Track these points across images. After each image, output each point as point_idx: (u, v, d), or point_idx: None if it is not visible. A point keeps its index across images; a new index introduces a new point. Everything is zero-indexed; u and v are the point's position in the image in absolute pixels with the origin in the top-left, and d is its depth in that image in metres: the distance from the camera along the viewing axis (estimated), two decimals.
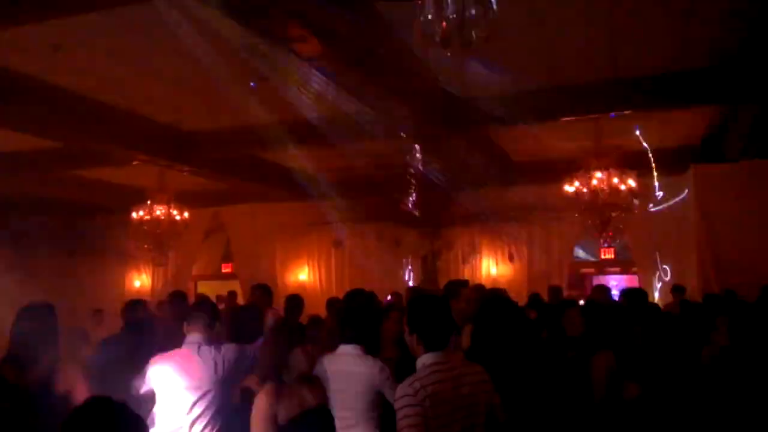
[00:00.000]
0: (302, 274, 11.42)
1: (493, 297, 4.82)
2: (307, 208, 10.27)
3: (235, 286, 10.35)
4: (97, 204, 10.83)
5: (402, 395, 2.60)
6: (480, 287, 6.06)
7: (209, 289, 11.04)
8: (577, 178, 7.70)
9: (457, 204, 9.19)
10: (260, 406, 3.04)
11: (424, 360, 2.76)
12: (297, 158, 8.27)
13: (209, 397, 3.42)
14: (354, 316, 3.61)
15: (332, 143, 6.86)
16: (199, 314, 3.62)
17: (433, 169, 8.25)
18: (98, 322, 10.48)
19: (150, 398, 3.45)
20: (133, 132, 7.39)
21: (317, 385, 3.20)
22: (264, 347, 3.41)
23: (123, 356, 3.69)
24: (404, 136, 7.16)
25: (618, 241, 9.12)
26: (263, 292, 5.78)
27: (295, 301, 5.95)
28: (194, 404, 3.39)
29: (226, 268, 12.49)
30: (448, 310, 3.04)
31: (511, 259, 9.93)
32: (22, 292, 3.86)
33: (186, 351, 3.50)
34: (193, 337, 3.53)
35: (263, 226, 10.72)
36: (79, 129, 6.97)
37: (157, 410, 3.44)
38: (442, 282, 8.62)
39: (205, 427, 3.39)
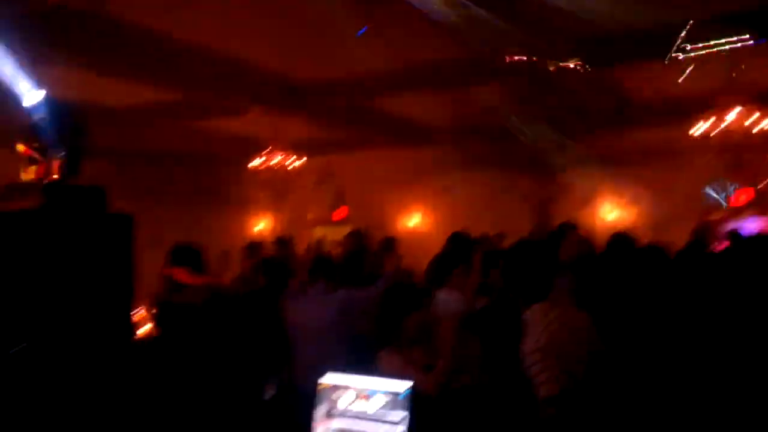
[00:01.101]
0: (413, 221, 11.55)
1: (619, 238, 4.52)
2: (418, 155, 10.24)
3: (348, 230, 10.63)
4: (219, 154, 11.38)
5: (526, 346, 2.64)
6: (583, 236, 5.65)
7: (323, 234, 11.40)
8: (708, 118, 7.11)
9: (575, 148, 8.78)
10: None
11: (534, 310, 2.77)
12: (408, 106, 8.21)
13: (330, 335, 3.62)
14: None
15: (445, 89, 6.72)
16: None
17: (550, 111, 7.91)
18: (225, 262, 11.28)
19: None
20: (248, 83, 7.62)
21: None
22: None
23: None
24: (516, 76, 6.87)
25: (756, 184, 8.42)
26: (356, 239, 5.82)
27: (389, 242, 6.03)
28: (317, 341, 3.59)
29: (339, 215, 12.81)
30: (548, 257, 3.00)
31: (630, 204, 9.43)
32: (159, 238, 4.15)
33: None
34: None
35: (375, 174, 10.83)
36: (198, 81, 7.27)
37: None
38: None
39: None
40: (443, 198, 10.87)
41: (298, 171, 10.08)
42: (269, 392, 2.20)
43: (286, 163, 9.79)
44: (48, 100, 2.92)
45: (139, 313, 4.10)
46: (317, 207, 12.53)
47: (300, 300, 4.20)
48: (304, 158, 9.78)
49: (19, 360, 2.79)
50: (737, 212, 10.52)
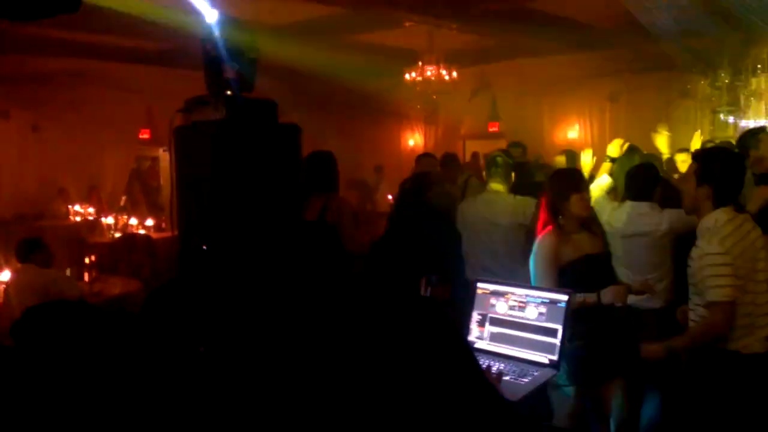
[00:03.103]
0: (572, 132, 10.96)
1: None
2: (579, 60, 9.58)
3: (503, 144, 10.40)
4: (375, 68, 11.51)
5: (714, 252, 2.62)
6: None
7: (477, 147, 11.26)
8: None
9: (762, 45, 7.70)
10: (544, 246, 3.12)
11: (718, 216, 2.69)
12: (569, 5, 7.65)
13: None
14: None
15: None
16: None
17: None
18: (380, 176, 11.71)
19: None
20: None
21: (596, 232, 3.23)
22: (544, 194, 3.46)
23: None
24: None
25: None
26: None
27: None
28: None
29: (492, 127, 12.55)
30: (743, 165, 2.91)
31: None
32: (323, 147, 4.36)
33: None
34: None
35: (530, 83, 10.35)
36: None
37: None
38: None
39: None
40: (606, 107, 10.19)
41: (452, 83, 9.94)
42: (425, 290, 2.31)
43: (441, 75, 9.69)
44: (222, 19, 3.11)
45: None
46: (471, 120, 12.36)
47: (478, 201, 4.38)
48: (454, 73, 9.60)
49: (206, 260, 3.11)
50: None
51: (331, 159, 4.08)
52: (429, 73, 9.70)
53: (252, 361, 1.85)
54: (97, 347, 1.62)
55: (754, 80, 8.54)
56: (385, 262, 2.20)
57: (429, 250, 2.25)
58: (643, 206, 3.77)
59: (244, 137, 2.96)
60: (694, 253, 2.71)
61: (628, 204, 3.85)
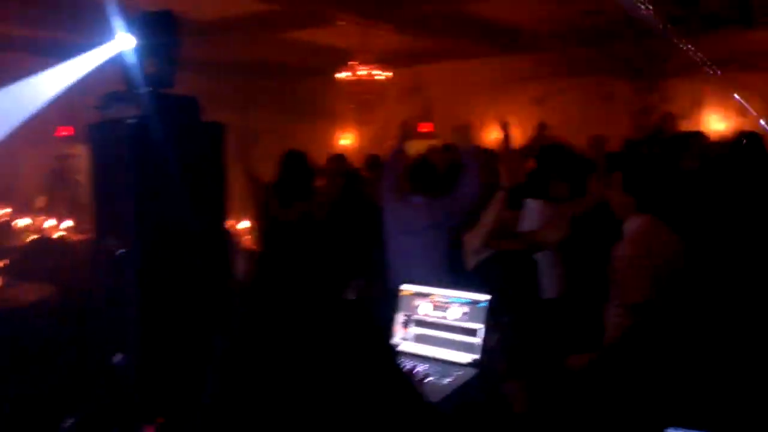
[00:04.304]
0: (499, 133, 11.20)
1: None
2: (508, 63, 9.83)
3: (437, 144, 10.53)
4: (306, 67, 11.41)
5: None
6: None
7: (410, 147, 11.34)
8: None
9: (682, 51, 8.08)
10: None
11: (639, 221, 2.80)
12: (500, 9, 7.81)
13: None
14: None
15: None
16: None
17: (656, 10, 7.23)
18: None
19: None
20: None
21: None
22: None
23: None
24: None
25: None
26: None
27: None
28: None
29: (425, 128, 12.67)
30: (668, 171, 3.03)
31: (742, 113, 8.68)
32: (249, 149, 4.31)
33: None
34: None
35: (462, 85, 10.53)
36: None
37: None
38: None
39: None
40: (534, 109, 10.47)
41: (384, 84, 9.98)
42: (350, 293, 2.29)
43: (373, 76, 9.71)
44: (142, 13, 2.99)
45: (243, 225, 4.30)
46: (403, 120, 12.43)
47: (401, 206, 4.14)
48: (387, 73, 9.64)
49: (122, 264, 2.98)
50: None
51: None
52: (362, 74, 9.70)
53: None
54: None
55: (668, 84, 8.99)
56: (314, 268, 2.19)
57: (355, 255, 2.24)
58: None
59: (163, 136, 2.85)
60: (618, 252, 2.81)
61: None
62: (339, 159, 5.61)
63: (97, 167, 2.99)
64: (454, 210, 3.76)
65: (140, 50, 2.79)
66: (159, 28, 2.85)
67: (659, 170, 3.05)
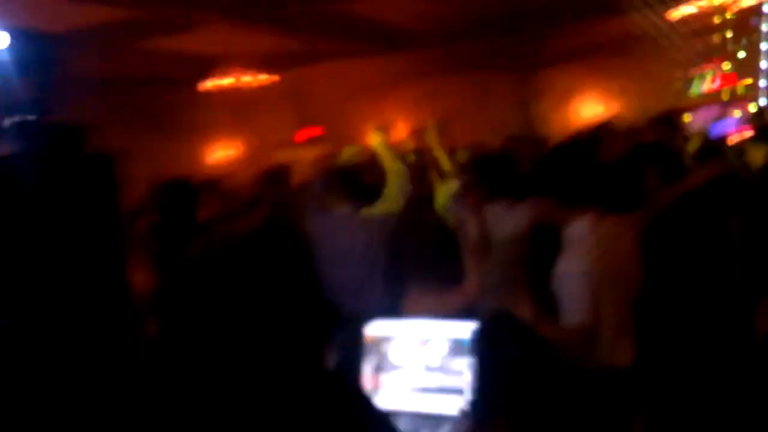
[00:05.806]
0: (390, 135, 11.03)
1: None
2: (390, 62, 9.61)
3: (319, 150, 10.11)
4: (167, 77, 10.50)
5: None
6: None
7: (291, 155, 10.84)
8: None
9: (554, 42, 8.31)
10: None
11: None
12: (379, 7, 7.55)
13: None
14: None
15: None
16: None
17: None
18: None
19: None
20: None
21: None
22: None
23: None
24: None
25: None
26: None
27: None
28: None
29: (306, 134, 12.20)
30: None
31: (614, 98, 9.12)
32: None
33: None
34: None
35: (345, 86, 10.19)
36: None
37: None
38: (541, 130, 8.03)
39: None
40: (423, 107, 10.38)
41: (259, 90, 9.38)
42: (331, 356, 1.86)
43: (246, 83, 9.07)
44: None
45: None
46: (283, 129, 11.87)
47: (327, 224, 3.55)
48: (262, 78, 9.05)
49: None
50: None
51: None
52: (233, 81, 9.03)
53: None
54: None
55: (545, 75, 9.27)
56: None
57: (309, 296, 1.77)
58: None
59: (38, 176, 2.22)
60: None
61: None
62: (276, 179, 4.93)
63: None
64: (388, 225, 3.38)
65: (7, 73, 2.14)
66: (29, 47, 2.22)
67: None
